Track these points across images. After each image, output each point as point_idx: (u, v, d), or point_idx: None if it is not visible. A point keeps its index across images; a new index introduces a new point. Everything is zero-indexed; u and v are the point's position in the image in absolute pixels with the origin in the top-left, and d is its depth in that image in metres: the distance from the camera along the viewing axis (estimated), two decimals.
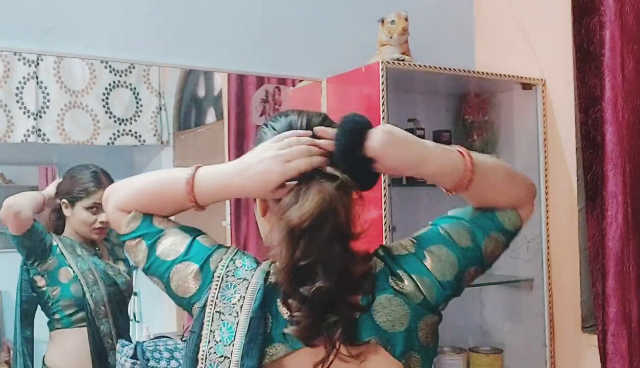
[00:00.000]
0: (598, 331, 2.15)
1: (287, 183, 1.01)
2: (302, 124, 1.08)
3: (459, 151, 1.08)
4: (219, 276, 1.04)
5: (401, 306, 1.03)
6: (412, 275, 1.05)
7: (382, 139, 1.01)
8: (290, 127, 1.07)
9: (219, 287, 1.03)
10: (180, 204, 1.09)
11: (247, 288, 1.02)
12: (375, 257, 1.09)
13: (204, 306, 1.03)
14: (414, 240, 1.11)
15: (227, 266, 1.05)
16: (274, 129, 1.09)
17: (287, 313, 1.01)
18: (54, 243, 1.99)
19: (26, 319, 2.00)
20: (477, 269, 1.11)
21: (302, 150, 1.01)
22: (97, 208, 2.00)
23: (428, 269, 1.06)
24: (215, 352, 1.00)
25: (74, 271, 1.97)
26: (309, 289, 0.96)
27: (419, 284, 1.05)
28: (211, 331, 1.02)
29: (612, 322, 2.08)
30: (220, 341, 1.00)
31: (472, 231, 1.10)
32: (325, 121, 1.10)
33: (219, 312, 1.02)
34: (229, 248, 1.09)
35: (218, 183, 1.06)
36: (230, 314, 1.01)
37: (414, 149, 1.05)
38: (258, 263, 1.07)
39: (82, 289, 1.97)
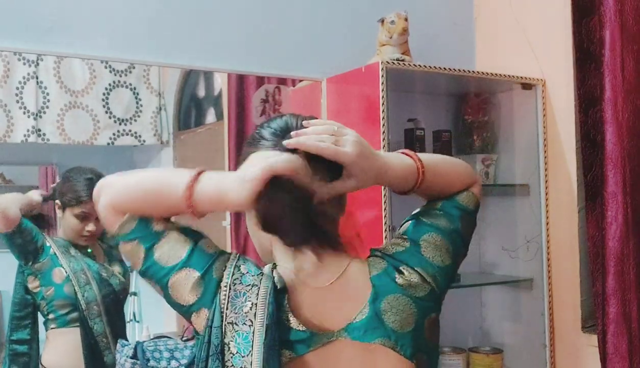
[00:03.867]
0: (598, 331, 2.15)
1: None
2: (297, 125, 1.07)
3: (407, 154, 1.11)
4: (226, 286, 1.00)
5: (408, 306, 1.03)
6: (415, 268, 1.06)
7: (356, 149, 1.02)
8: (287, 127, 1.07)
9: (228, 296, 0.99)
10: (176, 209, 1.03)
11: (257, 294, 0.99)
12: (374, 257, 1.09)
13: (218, 320, 0.99)
14: (404, 236, 1.12)
15: (233, 274, 1.01)
16: (270, 127, 1.08)
17: (289, 319, 1.00)
18: (47, 244, 1.99)
19: (19, 321, 2.00)
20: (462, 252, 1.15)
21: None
22: (85, 216, 2.00)
23: (428, 258, 1.08)
24: (232, 365, 0.97)
25: (66, 272, 1.98)
26: None
27: (424, 275, 1.06)
28: (226, 344, 0.98)
29: (612, 322, 2.08)
30: (237, 352, 0.97)
31: (447, 214, 1.13)
32: None
33: (232, 323, 0.98)
34: (230, 254, 1.06)
35: (215, 197, 1.01)
36: (244, 324, 0.98)
37: (376, 163, 1.05)
38: (260, 268, 1.04)
39: (74, 289, 1.97)
